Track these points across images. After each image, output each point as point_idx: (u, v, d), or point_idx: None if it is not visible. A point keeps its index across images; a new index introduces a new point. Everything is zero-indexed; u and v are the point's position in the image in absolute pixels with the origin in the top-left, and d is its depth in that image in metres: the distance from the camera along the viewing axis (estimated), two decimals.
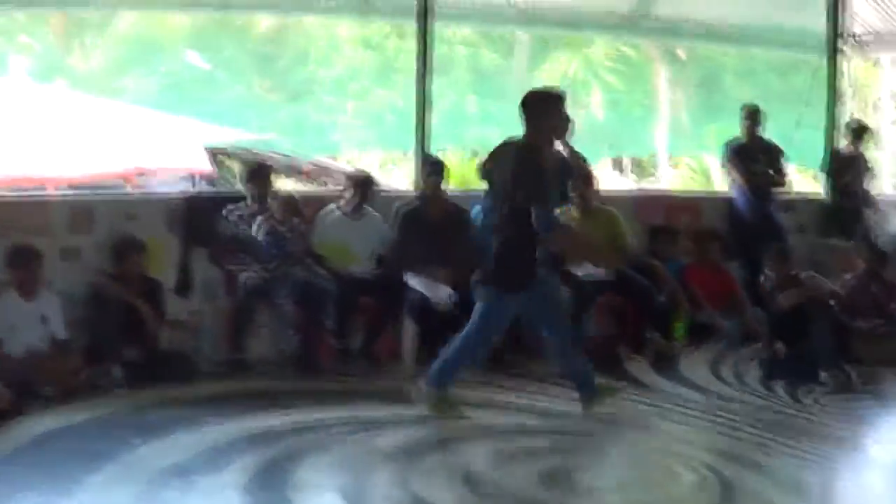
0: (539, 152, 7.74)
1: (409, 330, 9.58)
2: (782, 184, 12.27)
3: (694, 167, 17.42)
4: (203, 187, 13.28)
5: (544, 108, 7.77)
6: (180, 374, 8.78)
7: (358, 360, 9.48)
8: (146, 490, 6.23)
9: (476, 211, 10.15)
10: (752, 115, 11.97)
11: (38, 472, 6.44)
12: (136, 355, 8.72)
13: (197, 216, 9.81)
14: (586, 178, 10.53)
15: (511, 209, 7.61)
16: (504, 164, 7.77)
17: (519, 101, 7.84)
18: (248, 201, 9.69)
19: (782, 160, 12.14)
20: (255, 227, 9.49)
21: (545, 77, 13.47)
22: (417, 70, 10.53)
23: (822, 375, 9.22)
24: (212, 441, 7.14)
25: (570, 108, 11.41)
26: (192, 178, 13.88)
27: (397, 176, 15.93)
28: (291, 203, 9.68)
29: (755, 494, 6.56)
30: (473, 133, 12.37)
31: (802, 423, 8.25)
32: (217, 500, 6.18)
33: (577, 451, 7.27)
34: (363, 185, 9.90)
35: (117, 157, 13.11)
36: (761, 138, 12.05)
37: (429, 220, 9.86)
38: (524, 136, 7.75)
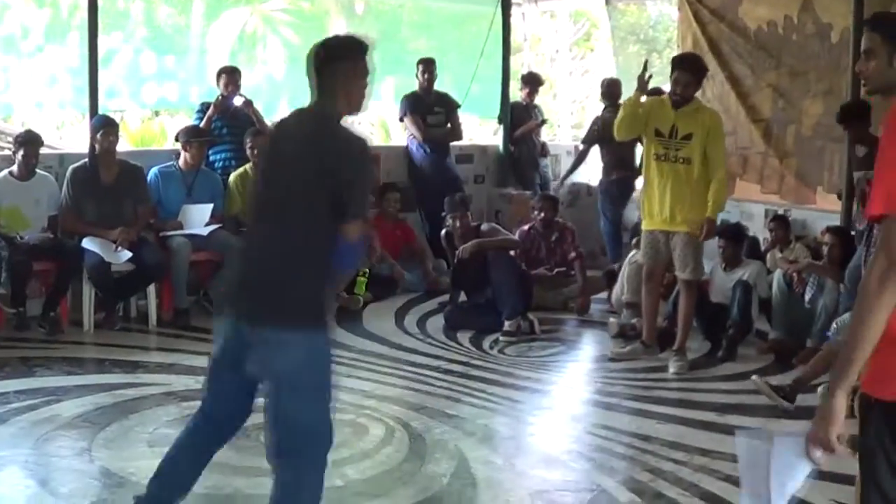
0: None
1: (88, 294, 9.33)
2: (459, 136, 12.49)
3: (373, 121, 17.51)
4: None
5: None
6: None
7: (36, 327, 9.17)
8: None
9: (155, 171, 9.99)
10: (428, 68, 12.14)
11: None
12: None
13: None
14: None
15: None
16: None
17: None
18: None
19: (457, 112, 12.36)
20: None
21: (222, 32, 13.30)
22: (90, 26, 10.19)
23: (506, 324, 9.45)
24: None
25: (247, 65, 11.45)
26: None
27: (75, 137, 15.48)
28: None
29: (443, 444, 6.69)
30: (152, 91, 12.08)
31: (487, 371, 8.46)
32: None
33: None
34: (30, 145, 9.54)
35: None
36: (437, 91, 12.23)
37: (100, 179, 9.59)
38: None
